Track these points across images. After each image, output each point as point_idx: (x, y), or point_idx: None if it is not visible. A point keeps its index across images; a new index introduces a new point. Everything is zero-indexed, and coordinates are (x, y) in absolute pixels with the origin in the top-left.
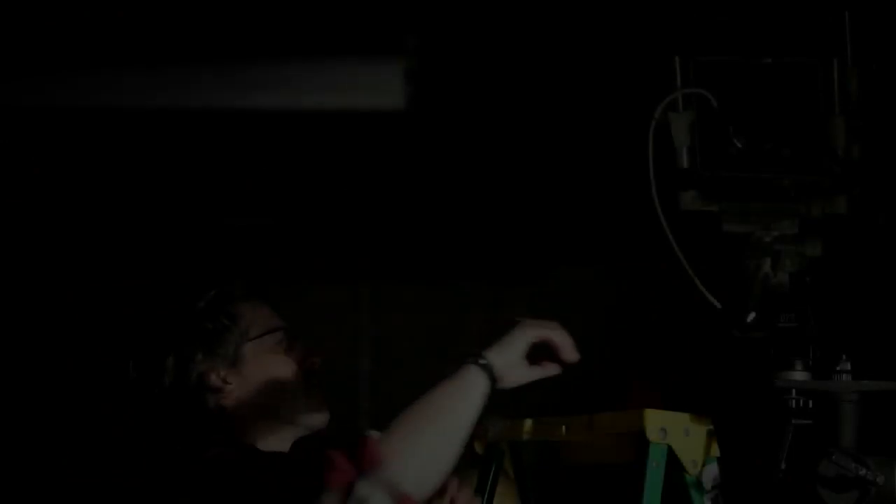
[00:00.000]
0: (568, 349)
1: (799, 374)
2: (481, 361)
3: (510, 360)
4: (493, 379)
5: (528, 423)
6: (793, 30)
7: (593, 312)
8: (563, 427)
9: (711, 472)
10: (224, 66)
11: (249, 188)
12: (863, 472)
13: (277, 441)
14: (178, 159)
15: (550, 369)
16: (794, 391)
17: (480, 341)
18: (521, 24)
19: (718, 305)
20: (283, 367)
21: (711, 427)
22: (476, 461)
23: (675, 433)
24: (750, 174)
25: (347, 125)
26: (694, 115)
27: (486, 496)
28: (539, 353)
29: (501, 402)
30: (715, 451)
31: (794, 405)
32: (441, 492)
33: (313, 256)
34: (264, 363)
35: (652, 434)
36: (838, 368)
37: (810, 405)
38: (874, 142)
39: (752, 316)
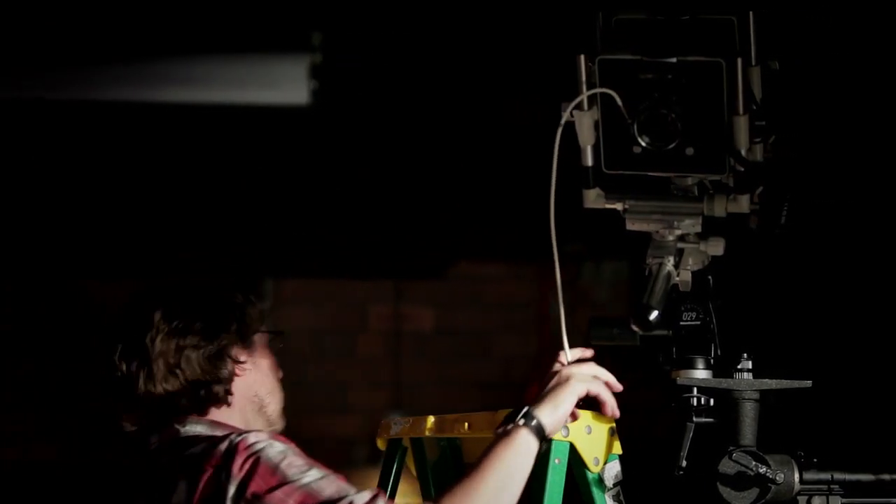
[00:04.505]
0: (612, 407)
1: (700, 373)
2: (533, 423)
3: (560, 418)
4: (544, 438)
5: (431, 419)
6: (697, 30)
7: (494, 307)
8: (466, 424)
9: (613, 470)
10: (132, 62)
11: (154, 182)
12: (763, 469)
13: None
14: (85, 151)
15: None
16: (695, 389)
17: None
18: (426, 21)
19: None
20: (275, 366)
21: (613, 425)
22: (378, 457)
23: (578, 431)
24: (653, 173)
25: (252, 120)
26: (598, 114)
27: (388, 492)
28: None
29: (407, 402)
30: (617, 448)
31: (695, 403)
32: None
33: (216, 250)
34: (266, 356)
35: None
36: (739, 367)
37: (711, 403)
38: (776, 141)
39: (654, 314)
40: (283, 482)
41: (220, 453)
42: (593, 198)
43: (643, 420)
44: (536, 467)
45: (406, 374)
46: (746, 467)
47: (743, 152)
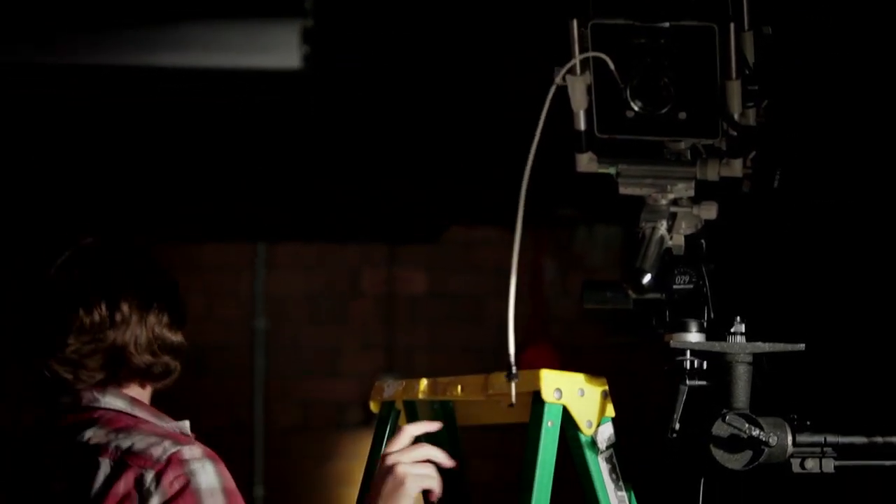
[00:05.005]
0: (437, 494)
1: (693, 336)
2: None
3: None
4: None
5: (424, 382)
6: None
7: (486, 271)
8: (459, 387)
9: (606, 432)
10: (125, 26)
11: (147, 147)
12: (756, 432)
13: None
14: (76, 115)
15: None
16: (688, 352)
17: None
18: None
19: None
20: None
21: (606, 388)
22: (371, 420)
23: (570, 393)
24: (646, 137)
25: (244, 85)
26: (591, 79)
27: (381, 454)
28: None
29: (400, 365)
30: (610, 411)
31: (687, 366)
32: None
33: (209, 215)
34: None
35: (547, 394)
36: (732, 330)
37: (704, 367)
38: (769, 106)
39: (647, 278)
40: None
41: (152, 458)
42: (586, 162)
43: (636, 383)
44: (529, 430)
45: (399, 337)
46: (739, 430)
47: (736, 117)
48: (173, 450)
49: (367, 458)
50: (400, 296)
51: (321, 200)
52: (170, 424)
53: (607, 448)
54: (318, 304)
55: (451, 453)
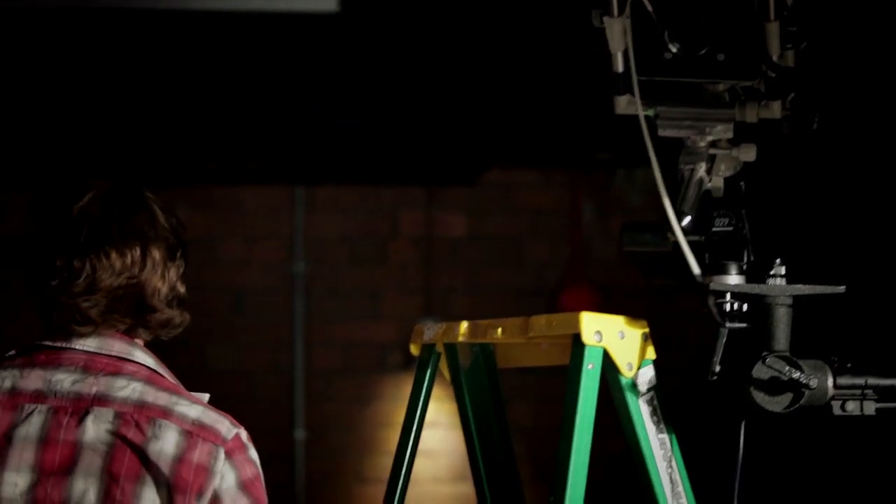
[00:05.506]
0: None
1: (733, 278)
2: None
3: None
4: None
5: (464, 325)
6: None
7: (525, 213)
8: (499, 329)
9: (647, 375)
10: None
11: (187, 90)
12: (796, 375)
13: None
14: (115, 58)
15: None
16: (728, 295)
17: None
18: None
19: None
20: None
21: (646, 330)
22: (412, 363)
23: (611, 336)
24: (684, 79)
25: (282, 27)
26: (629, 20)
27: (422, 398)
28: None
29: (439, 308)
30: (651, 353)
31: (728, 309)
32: None
33: (249, 158)
34: None
35: (587, 336)
36: (772, 273)
37: (744, 309)
38: (808, 47)
39: (686, 220)
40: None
41: (220, 434)
42: (624, 105)
43: (677, 325)
44: (570, 373)
45: (438, 280)
46: (780, 372)
47: (774, 58)
48: (235, 430)
49: (407, 400)
50: (439, 238)
51: (360, 143)
52: (195, 395)
53: (648, 391)
54: (357, 246)
55: (492, 396)
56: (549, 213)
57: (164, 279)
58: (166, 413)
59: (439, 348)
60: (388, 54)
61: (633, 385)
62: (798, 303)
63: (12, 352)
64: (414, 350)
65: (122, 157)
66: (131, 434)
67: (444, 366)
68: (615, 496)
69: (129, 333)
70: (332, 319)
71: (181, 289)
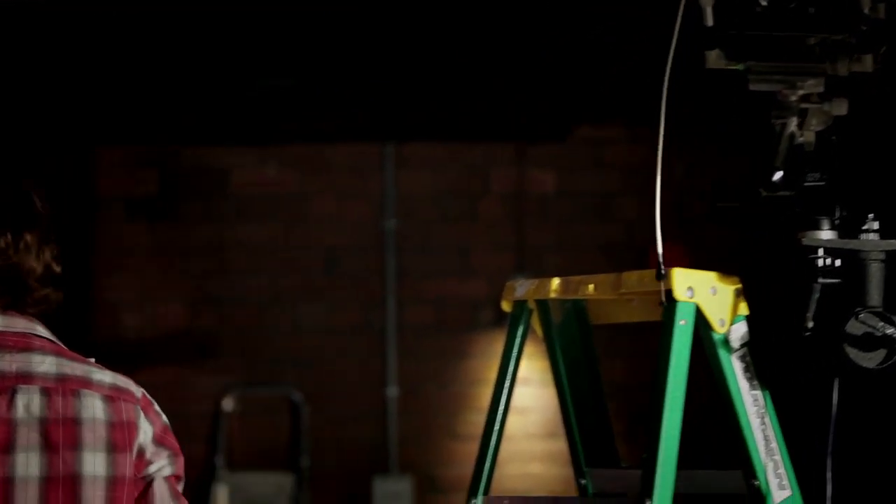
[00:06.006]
0: None
1: (825, 234)
2: None
3: None
4: None
5: (555, 281)
6: None
7: (615, 170)
8: (591, 285)
9: (740, 331)
10: None
11: (273, 49)
12: (890, 330)
13: None
14: (203, 20)
15: None
16: (820, 250)
17: None
18: None
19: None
20: None
21: (739, 286)
22: (503, 320)
23: (703, 292)
24: (775, 32)
25: None
26: None
27: (514, 355)
28: None
29: (530, 265)
30: (743, 309)
31: (821, 264)
32: None
33: (338, 115)
34: None
35: (679, 293)
36: (865, 227)
37: (837, 264)
38: None
39: (778, 175)
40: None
41: (134, 395)
42: (714, 59)
43: (769, 281)
44: (662, 329)
45: (529, 236)
46: (873, 328)
47: (866, 10)
48: (140, 389)
49: (499, 357)
50: (529, 195)
51: (450, 99)
52: (90, 360)
53: (741, 347)
54: (447, 203)
55: (584, 352)
56: (639, 169)
57: (38, 260)
58: (86, 383)
59: (531, 305)
60: (480, 9)
61: (726, 341)
62: (892, 258)
63: None
64: (506, 307)
65: (217, 116)
66: (61, 407)
67: (535, 322)
68: (708, 452)
69: (12, 310)
70: (423, 277)
71: (56, 268)
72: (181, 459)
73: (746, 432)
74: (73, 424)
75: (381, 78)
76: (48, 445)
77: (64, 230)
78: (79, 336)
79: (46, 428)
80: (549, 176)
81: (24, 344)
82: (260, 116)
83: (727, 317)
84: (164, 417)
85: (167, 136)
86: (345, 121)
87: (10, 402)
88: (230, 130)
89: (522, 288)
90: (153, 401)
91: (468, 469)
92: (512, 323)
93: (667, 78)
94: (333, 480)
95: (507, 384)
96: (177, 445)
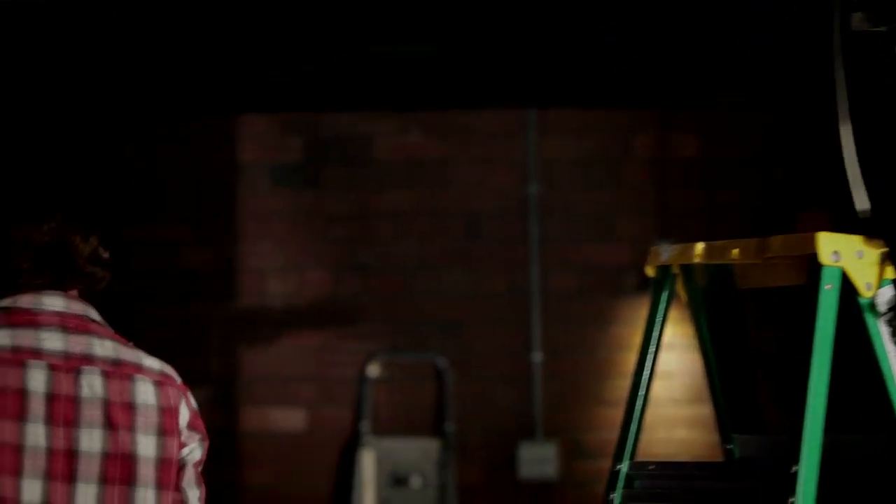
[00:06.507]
0: None
1: None
2: None
3: None
4: None
5: (700, 246)
6: None
7: (758, 136)
8: (735, 250)
9: (886, 295)
10: None
11: (416, 16)
12: None
13: None
14: None
15: None
16: None
17: None
18: None
19: None
20: None
21: (885, 249)
22: (648, 285)
23: (848, 255)
24: None
25: None
26: None
27: (658, 320)
28: None
29: (674, 230)
30: (890, 273)
31: None
32: None
33: (481, 81)
34: None
35: (824, 256)
36: None
37: None
38: None
39: None
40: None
41: (175, 381)
42: (858, 21)
43: None
44: (808, 294)
45: (672, 201)
46: None
47: None
48: (178, 377)
49: (644, 322)
50: (672, 160)
51: (592, 65)
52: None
53: (888, 311)
54: (590, 169)
55: (729, 317)
56: (784, 134)
57: (86, 242)
58: (139, 368)
59: (675, 270)
60: None
61: (872, 305)
62: None
63: None
64: (650, 272)
65: (360, 83)
66: (118, 389)
67: (680, 287)
68: (853, 416)
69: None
70: (567, 242)
71: (104, 253)
72: (207, 444)
73: (894, 396)
74: (130, 407)
75: (524, 44)
76: (109, 424)
77: (209, 197)
78: (225, 301)
79: (108, 408)
80: (692, 141)
81: (83, 327)
82: (403, 83)
83: (873, 280)
84: (195, 403)
85: (311, 103)
86: (487, 87)
87: (76, 381)
88: (373, 97)
89: (666, 253)
90: (188, 387)
91: (613, 434)
92: (656, 288)
93: (836, 40)
94: (479, 446)
95: (651, 349)
96: (205, 430)
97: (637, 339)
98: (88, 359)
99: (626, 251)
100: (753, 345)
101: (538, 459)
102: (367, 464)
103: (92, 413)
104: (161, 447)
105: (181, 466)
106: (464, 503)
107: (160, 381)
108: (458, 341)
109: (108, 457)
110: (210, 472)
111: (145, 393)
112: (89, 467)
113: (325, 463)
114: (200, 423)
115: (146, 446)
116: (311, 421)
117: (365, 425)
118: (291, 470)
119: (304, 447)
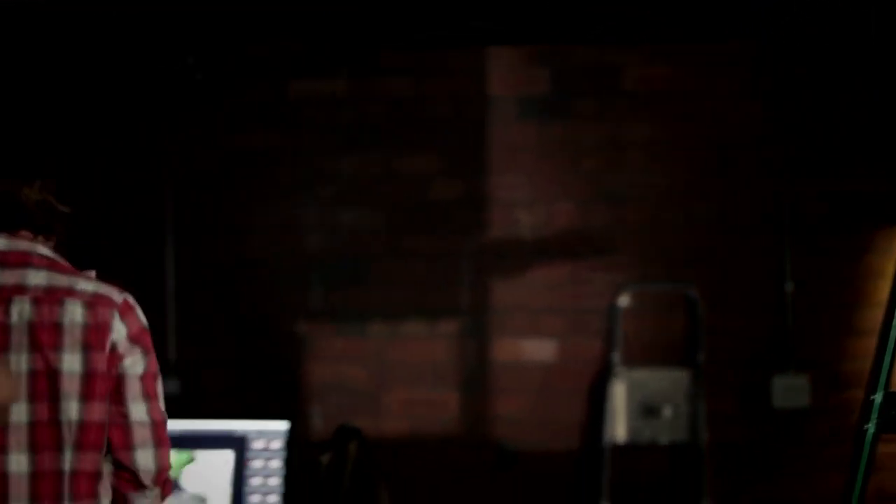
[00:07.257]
0: None
1: None
2: None
3: None
4: None
5: None
6: None
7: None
8: None
9: None
10: None
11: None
12: None
13: None
14: None
15: None
16: None
17: None
18: None
19: None
20: None
21: None
22: None
23: None
24: None
25: None
26: None
27: None
28: None
29: None
30: None
31: None
32: None
33: (730, 12)
34: None
35: None
36: None
37: None
38: None
39: None
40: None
41: (113, 300)
42: None
43: None
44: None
45: None
46: None
47: None
48: (123, 295)
49: None
50: None
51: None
52: (87, 272)
53: None
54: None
55: None
56: None
57: (38, 192)
58: (70, 292)
59: None
60: None
61: None
62: None
63: None
64: None
65: (608, 13)
66: (47, 313)
67: None
68: None
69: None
70: (819, 174)
71: (61, 207)
72: (152, 357)
73: None
74: (56, 328)
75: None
76: (35, 346)
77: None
78: (474, 234)
79: (34, 331)
80: None
81: (22, 261)
82: (650, 14)
83: None
84: (144, 321)
85: (559, 34)
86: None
87: (6, 311)
88: (621, 28)
89: None
90: (135, 306)
91: (867, 364)
92: None
93: None
94: (730, 376)
95: None
96: (150, 345)
97: (891, 267)
98: (20, 289)
99: (881, 182)
100: None
101: (791, 388)
102: (619, 394)
103: (20, 338)
104: (86, 361)
105: (120, 378)
106: (715, 432)
107: (91, 302)
108: (708, 271)
109: (34, 375)
110: (464, 402)
111: (72, 313)
112: (19, 385)
113: (575, 394)
114: (145, 338)
115: (71, 362)
116: (561, 352)
117: (616, 356)
118: (542, 400)
119: (554, 378)
